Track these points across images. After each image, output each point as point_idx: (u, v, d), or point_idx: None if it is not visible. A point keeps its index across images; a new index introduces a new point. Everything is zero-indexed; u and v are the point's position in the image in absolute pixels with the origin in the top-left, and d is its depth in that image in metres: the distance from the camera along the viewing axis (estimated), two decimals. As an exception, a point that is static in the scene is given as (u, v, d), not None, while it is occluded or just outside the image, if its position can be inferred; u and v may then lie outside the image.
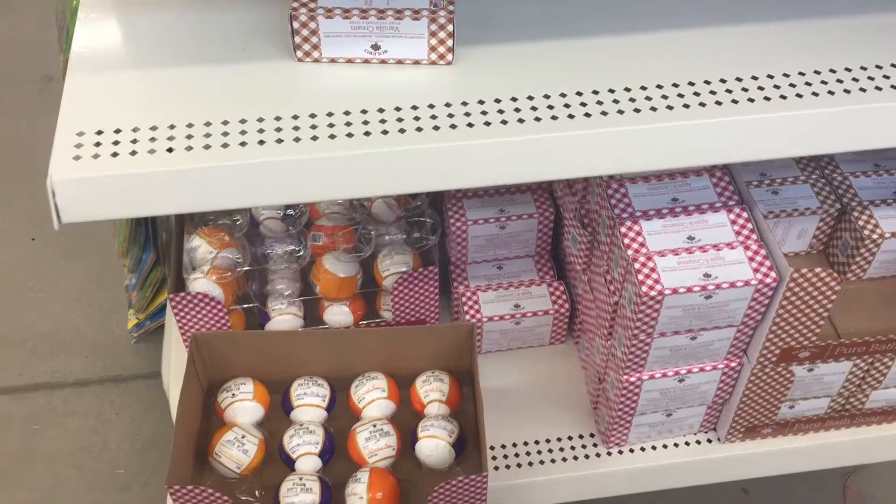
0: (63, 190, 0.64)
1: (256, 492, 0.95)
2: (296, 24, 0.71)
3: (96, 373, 1.34)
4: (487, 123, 0.68)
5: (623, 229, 0.87)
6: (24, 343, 1.36)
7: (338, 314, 1.08)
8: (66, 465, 1.21)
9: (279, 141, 0.67)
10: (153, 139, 0.67)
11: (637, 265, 0.84)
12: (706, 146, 0.71)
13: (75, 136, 0.67)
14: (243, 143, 0.67)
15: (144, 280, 1.28)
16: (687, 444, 1.02)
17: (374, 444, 0.96)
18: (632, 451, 1.02)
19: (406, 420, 1.00)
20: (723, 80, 0.72)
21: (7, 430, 1.26)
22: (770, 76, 0.73)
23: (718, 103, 0.70)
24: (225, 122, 0.68)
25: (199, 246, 1.04)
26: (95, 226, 1.45)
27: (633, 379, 0.92)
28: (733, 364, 0.93)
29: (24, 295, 1.42)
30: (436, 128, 0.68)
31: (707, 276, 0.83)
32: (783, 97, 0.71)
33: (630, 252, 0.85)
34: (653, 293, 0.82)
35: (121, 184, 0.65)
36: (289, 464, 0.96)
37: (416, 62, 0.73)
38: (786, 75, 0.73)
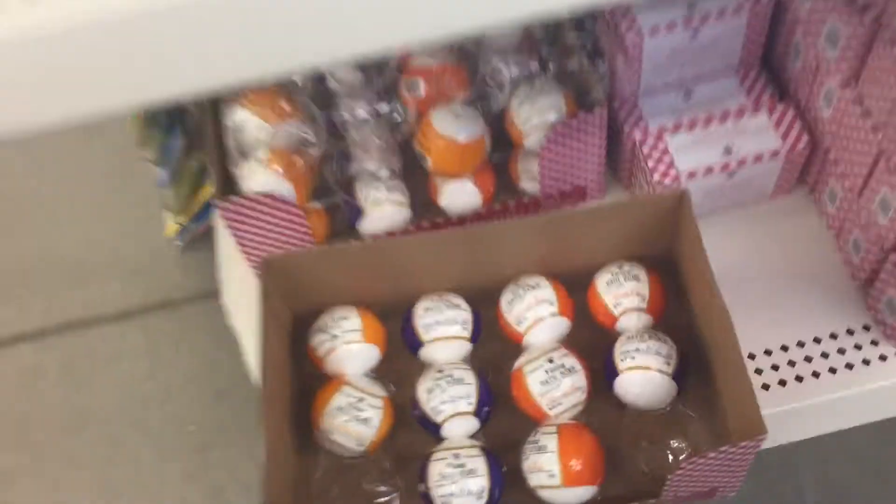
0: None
1: (393, 476, 0.65)
2: None
3: (139, 299, 1.04)
4: None
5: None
6: (40, 272, 1.07)
7: (460, 194, 0.74)
8: (123, 427, 0.94)
9: None
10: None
11: None
12: None
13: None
14: None
15: (177, 172, 0.95)
16: None
17: (555, 389, 0.64)
18: (934, 346, 0.68)
19: (586, 341, 0.67)
20: None
21: (40, 389, 0.98)
22: None
23: None
24: None
25: (246, 121, 0.71)
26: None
27: (968, 249, 0.57)
28: None
29: (30, 213, 1.11)
30: None
31: None
32: None
33: None
34: None
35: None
36: (429, 428, 0.65)
37: None
38: None
